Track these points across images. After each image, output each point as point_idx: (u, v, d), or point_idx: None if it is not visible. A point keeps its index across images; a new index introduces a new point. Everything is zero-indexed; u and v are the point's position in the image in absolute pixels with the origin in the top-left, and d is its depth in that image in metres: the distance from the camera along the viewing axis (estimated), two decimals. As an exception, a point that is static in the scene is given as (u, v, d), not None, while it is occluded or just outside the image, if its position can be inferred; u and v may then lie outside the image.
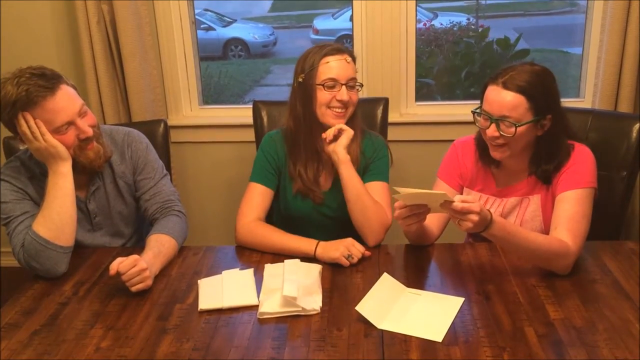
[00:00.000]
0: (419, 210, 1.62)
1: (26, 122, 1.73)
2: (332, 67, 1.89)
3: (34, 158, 1.88)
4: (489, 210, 1.56)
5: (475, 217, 1.50)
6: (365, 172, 1.99)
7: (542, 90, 1.70)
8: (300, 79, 1.92)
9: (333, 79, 1.88)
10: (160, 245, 1.80)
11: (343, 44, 1.97)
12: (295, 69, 1.96)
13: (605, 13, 2.59)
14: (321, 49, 1.91)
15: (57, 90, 1.73)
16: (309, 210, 2.03)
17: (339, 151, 1.90)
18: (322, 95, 1.90)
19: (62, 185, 1.78)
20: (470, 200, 1.52)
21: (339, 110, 1.91)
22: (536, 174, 1.81)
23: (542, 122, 1.73)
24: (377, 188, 1.96)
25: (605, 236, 1.93)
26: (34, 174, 1.88)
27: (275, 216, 2.15)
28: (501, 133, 1.71)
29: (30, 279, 1.78)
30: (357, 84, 1.94)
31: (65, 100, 1.75)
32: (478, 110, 1.78)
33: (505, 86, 1.69)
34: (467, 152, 1.93)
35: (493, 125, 1.72)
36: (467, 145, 1.94)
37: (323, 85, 1.89)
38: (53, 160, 1.78)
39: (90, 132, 1.80)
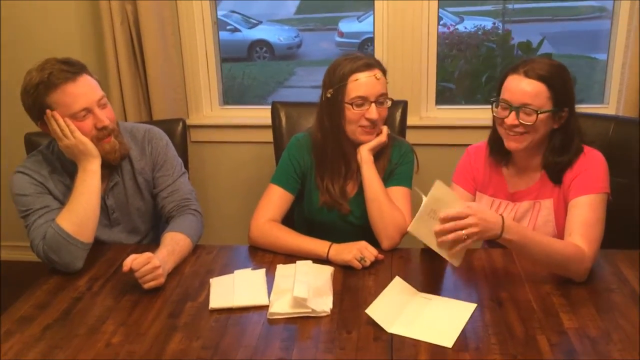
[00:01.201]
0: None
1: (56, 120, 1.77)
2: (361, 84, 1.85)
3: (55, 152, 1.91)
4: (501, 215, 1.54)
5: (472, 220, 1.49)
6: (390, 177, 1.98)
7: (561, 82, 1.73)
8: (329, 94, 1.89)
9: (362, 97, 1.85)
10: (174, 244, 1.81)
11: (373, 57, 1.93)
12: (324, 81, 1.92)
13: (632, 18, 2.54)
14: (351, 63, 1.86)
15: (79, 77, 1.79)
16: (334, 220, 2.02)
17: (363, 152, 1.91)
18: (351, 114, 1.87)
19: (90, 182, 1.81)
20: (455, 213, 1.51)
21: (368, 128, 1.89)
22: (547, 170, 1.81)
23: (560, 114, 1.75)
24: (398, 193, 1.94)
25: (624, 245, 1.88)
26: (55, 168, 1.90)
27: (296, 218, 2.15)
28: (521, 121, 1.72)
29: (46, 273, 1.80)
30: (388, 99, 1.90)
31: (86, 87, 1.80)
32: (496, 100, 1.78)
33: (527, 75, 1.71)
34: (479, 156, 1.94)
35: (513, 114, 1.72)
36: (480, 151, 1.95)
37: (352, 104, 1.86)
38: (83, 157, 1.81)
39: (107, 121, 1.82)
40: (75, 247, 1.76)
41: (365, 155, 1.92)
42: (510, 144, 1.78)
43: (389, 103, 1.91)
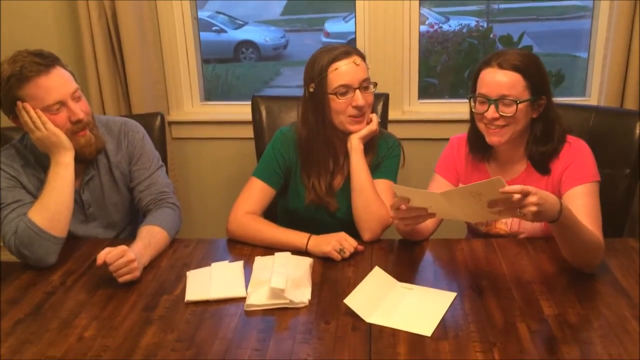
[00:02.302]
0: (417, 214, 1.58)
1: (27, 112, 1.73)
2: (341, 73, 1.81)
3: (29, 146, 1.87)
4: (558, 197, 1.45)
5: (534, 199, 1.36)
6: (376, 170, 1.95)
7: (536, 70, 1.72)
8: (311, 89, 1.85)
9: (345, 85, 1.81)
10: (151, 237, 1.77)
11: (350, 45, 1.91)
12: (304, 78, 1.89)
13: (612, 10, 2.55)
14: (328, 54, 1.83)
15: (51, 69, 1.75)
16: (322, 216, 1.99)
17: (354, 140, 1.88)
18: (337, 104, 1.83)
19: (62, 175, 1.77)
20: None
21: (357, 117, 1.85)
22: (533, 159, 1.79)
23: (538, 102, 1.73)
24: (383, 185, 1.91)
25: (608, 235, 1.87)
26: (28, 161, 1.87)
27: (279, 211, 2.12)
28: (501, 114, 1.70)
29: (19, 268, 1.76)
30: (371, 83, 1.87)
31: (59, 80, 1.76)
32: (473, 96, 1.76)
33: (501, 66, 1.70)
34: (462, 147, 1.92)
35: (492, 107, 1.70)
36: (462, 141, 1.92)
37: (335, 93, 1.82)
38: (56, 149, 1.77)
39: (81, 114, 1.78)
40: (47, 241, 1.73)
41: (355, 143, 1.88)
42: (492, 138, 1.75)
43: (374, 88, 1.88)
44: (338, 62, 1.82)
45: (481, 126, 1.77)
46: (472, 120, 1.83)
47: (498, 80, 1.69)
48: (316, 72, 1.84)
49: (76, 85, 1.81)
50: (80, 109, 1.79)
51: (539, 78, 1.72)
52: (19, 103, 1.73)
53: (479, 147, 1.85)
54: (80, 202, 1.91)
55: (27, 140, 1.89)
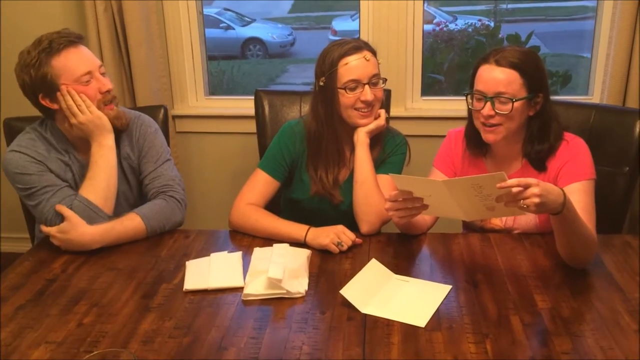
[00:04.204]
0: (412, 205, 1.60)
1: (72, 96, 1.79)
2: (351, 68, 1.83)
3: (49, 130, 1.91)
4: (561, 189, 1.47)
5: (535, 190, 1.38)
6: (381, 165, 1.96)
7: (534, 67, 1.71)
8: (322, 83, 1.87)
9: (354, 80, 1.83)
10: (117, 222, 1.81)
11: (361, 39, 1.92)
12: (315, 71, 1.91)
13: (615, 9, 2.55)
14: (339, 48, 1.85)
15: (79, 45, 1.84)
16: (325, 208, 2.00)
17: (361, 133, 1.90)
18: (345, 99, 1.85)
19: (108, 156, 1.85)
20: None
21: (365, 111, 1.87)
22: (529, 157, 1.79)
23: (535, 100, 1.73)
24: (385, 181, 1.92)
25: (607, 232, 1.88)
26: (50, 145, 1.90)
27: (282, 203, 2.13)
28: (497, 111, 1.70)
29: (21, 256, 1.79)
30: (381, 79, 1.89)
31: (87, 53, 1.86)
32: (470, 92, 1.76)
33: (498, 63, 1.69)
34: (459, 141, 1.93)
35: (488, 104, 1.71)
36: (460, 135, 1.93)
37: (345, 88, 1.84)
38: (99, 132, 1.84)
39: (110, 85, 1.86)
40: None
41: (362, 137, 1.90)
42: (488, 136, 1.76)
43: (383, 83, 1.90)
44: (348, 57, 1.84)
45: (477, 123, 1.78)
46: (469, 116, 1.84)
47: (495, 77, 1.69)
48: (327, 66, 1.86)
49: (101, 63, 1.88)
50: (107, 82, 1.87)
51: (536, 75, 1.72)
52: (63, 88, 1.79)
53: (476, 143, 1.86)
54: None
55: (46, 124, 1.92)
